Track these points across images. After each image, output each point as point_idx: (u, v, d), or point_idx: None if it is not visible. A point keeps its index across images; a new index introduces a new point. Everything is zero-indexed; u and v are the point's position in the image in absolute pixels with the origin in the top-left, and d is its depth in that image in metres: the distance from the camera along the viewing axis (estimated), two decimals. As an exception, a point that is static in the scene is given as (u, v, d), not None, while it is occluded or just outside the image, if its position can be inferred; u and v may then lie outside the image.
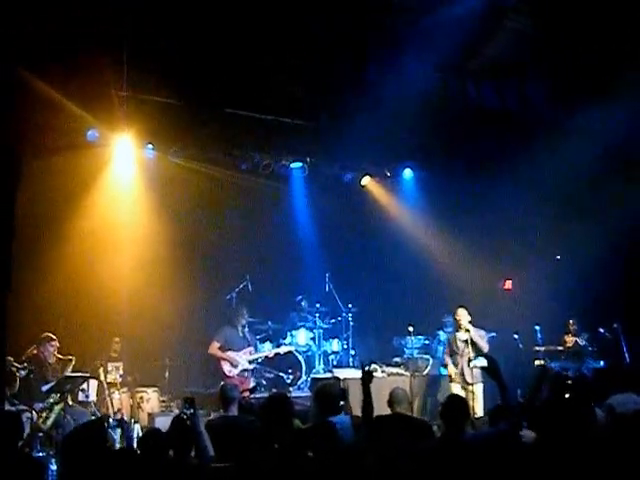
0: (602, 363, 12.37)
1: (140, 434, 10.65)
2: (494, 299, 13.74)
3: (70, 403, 10.18)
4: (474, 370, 11.20)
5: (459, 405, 6.40)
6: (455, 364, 11.58)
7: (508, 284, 14.25)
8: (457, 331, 11.69)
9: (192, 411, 6.65)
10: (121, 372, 11.40)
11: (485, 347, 11.37)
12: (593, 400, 7.56)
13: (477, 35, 10.95)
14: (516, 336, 12.72)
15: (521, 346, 12.73)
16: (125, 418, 10.77)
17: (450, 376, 11.63)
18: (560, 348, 12.76)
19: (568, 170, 12.47)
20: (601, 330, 12.39)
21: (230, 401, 7.96)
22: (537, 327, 12.77)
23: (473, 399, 10.83)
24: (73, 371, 10.43)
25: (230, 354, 11.93)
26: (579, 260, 12.78)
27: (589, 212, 12.92)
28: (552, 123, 12.54)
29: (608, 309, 12.50)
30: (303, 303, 14.01)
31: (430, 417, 10.84)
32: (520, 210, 13.51)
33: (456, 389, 11.15)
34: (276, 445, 5.82)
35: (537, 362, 12.56)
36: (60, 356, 10.45)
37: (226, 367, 11.88)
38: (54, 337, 10.42)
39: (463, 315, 11.55)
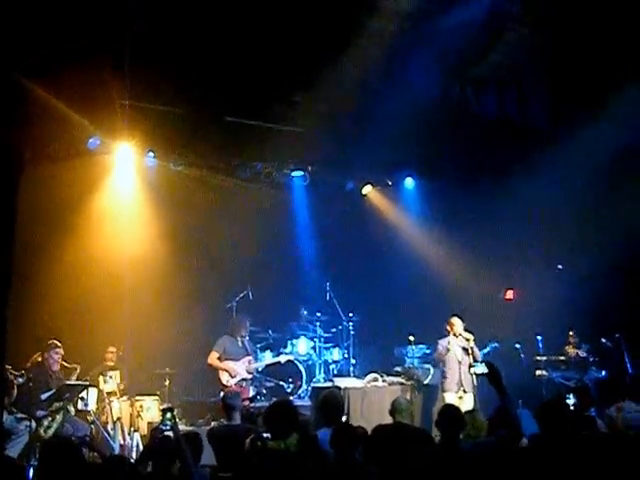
0: (604, 373, 12.33)
1: (139, 443, 10.62)
2: (496, 309, 13.69)
3: (72, 412, 10.17)
4: (472, 378, 11.16)
5: (454, 414, 6.42)
6: (447, 372, 11.51)
7: (510, 294, 14.20)
8: (451, 339, 11.60)
9: (173, 421, 6.58)
10: (118, 381, 11.34)
11: (479, 355, 11.36)
12: (596, 409, 7.55)
13: (478, 44, 10.96)
14: (518, 346, 12.69)
15: (523, 356, 12.70)
16: (109, 428, 10.73)
17: (443, 385, 11.55)
18: (562, 358, 12.73)
19: (569, 180, 12.48)
20: (603, 340, 12.36)
21: (232, 409, 7.95)
22: (539, 337, 12.73)
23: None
24: (76, 380, 10.40)
25: (228, 364, 11.89)
26: (581, 270, 12.75)
27: (591, 222, 12.91)
28: (552, 133, 12.54)
29: (610, 319, 12.47)
30: (305, 312, 13.99)
31: (431, 426, 10.81)
32: (522, 220, 13.47)
33: (450, 398, 11.09)
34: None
35: (538, 372, 12.54)
36: (65, 364, 10.42)
37: (224, 377, 11.84)
38: (59, 345, 10.38)
39: (458, 324, 11.52)
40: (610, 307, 12.52)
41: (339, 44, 10.66)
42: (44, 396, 9.71)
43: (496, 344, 12.12)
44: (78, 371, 10.54)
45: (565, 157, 12.17)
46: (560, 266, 13.50)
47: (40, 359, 10.28)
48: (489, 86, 12.07)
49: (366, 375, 12.36)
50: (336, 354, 13.70)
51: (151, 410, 11.28)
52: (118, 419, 10.88)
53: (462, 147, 12.66)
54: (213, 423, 10.36)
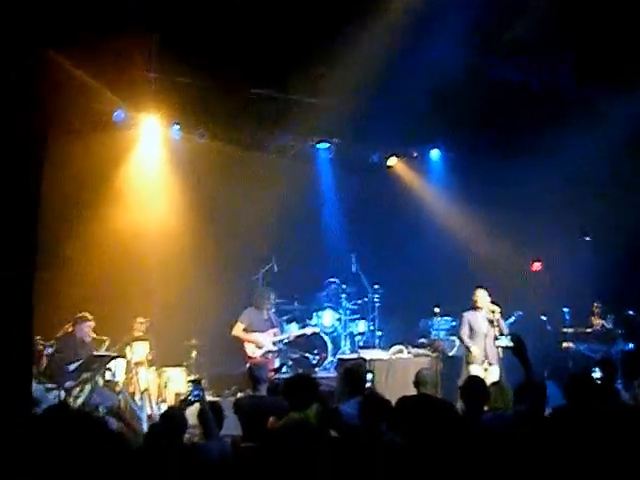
0: (631, 345, 12.25)
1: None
2: (522, 280, 13.60)
3: (100, 382, 10.27)
4: (497, 350, 11.10)
5: (478, 386, 6.44)
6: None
7: (537, 266, 14.07)
8: (476, 312, 11.48)
9: (200, 392, 6.65)
10: (147, 350, 11.43)
11: (504, 328, 11.25)
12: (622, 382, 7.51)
13: (503, 12, 10.84)
14: (544, 317, 12.64)
15: (549, 328, 12.65)
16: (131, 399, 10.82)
17: (467, 357, 11.46)
18: (588, 330, 12.64)
19: (598, 149, 12.32)
20: (630, 312, 12.26)
21: (258, 381, 8.00)
22: (565, 309, 12.66)
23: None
24: (105, 351, 10.50)
25: (254, 335, 11.87)
26: (609, 241, 12.65)
27: (619, 192, 12.78)
28: (578, 101, 12.39)
29: (638, 291, 12.37)
30: (330, 284, 14.01)
31: (455, 399, 10.80)
32: (550, 190, 13.36)
33: (475, 370, 11.00)
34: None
35: (565, 344, 12.48)
36: (95, 336, 10.51)
37: (249, 349, 11.85)
38: (90, 317, 10.46)
39: (484, 296, 11.38)
40: (638, 278, 12.42)
41: (363, 16, 10.59)
42: (71, 367, 9.80)
43: (520, 313, 12.06)
44: (108, 343, 10.62)
45: (594, 125, 12.02)
46: (587, 237, 13.39)
47: (70, 330, 10.38)
48: (513, 54, 11.93)
49: (391, 347, 12.38)
50: (362, 326, 13.73)
51: (178, 381, 11.39)
52: (145, 390, 10.97)
53: (488, 118, 12.56)
54: (239, 394, 10.43)
